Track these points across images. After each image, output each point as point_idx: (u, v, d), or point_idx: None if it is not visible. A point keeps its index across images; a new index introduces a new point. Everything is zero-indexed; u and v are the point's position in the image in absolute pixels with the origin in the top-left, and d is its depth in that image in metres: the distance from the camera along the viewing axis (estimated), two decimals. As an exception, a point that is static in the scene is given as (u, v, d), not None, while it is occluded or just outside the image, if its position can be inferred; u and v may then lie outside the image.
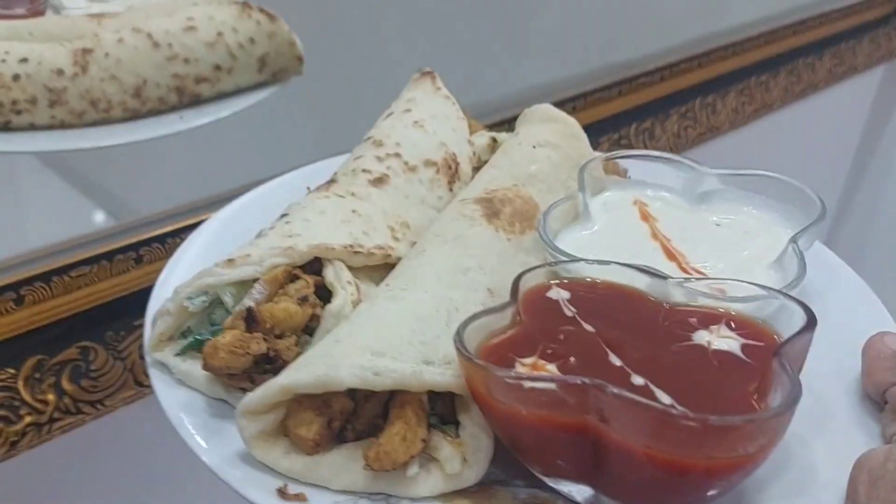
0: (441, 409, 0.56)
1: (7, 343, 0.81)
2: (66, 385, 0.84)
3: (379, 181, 0.72)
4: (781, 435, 0.47)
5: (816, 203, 0.69)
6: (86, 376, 0.85)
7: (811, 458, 0.57)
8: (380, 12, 1.16)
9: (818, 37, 1.92)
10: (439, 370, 0.53)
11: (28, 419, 0.84)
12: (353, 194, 0.70)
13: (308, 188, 0.79)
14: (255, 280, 0.60)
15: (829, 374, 0.63)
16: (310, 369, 0.52)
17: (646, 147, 1.43)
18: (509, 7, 1.31)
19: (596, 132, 1.29)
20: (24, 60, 0.84)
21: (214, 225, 0.75)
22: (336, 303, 0.59)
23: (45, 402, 0.85)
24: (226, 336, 0.56)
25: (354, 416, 0.54)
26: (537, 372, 0.49)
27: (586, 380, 0.46)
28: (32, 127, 0.85)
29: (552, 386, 0.47)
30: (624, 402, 0.45)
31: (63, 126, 0.86)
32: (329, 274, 0.62)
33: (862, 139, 2.48)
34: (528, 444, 0.51)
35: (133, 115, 0.89)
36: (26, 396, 0.84)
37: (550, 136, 0.79)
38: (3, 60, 0.83)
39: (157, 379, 0.59)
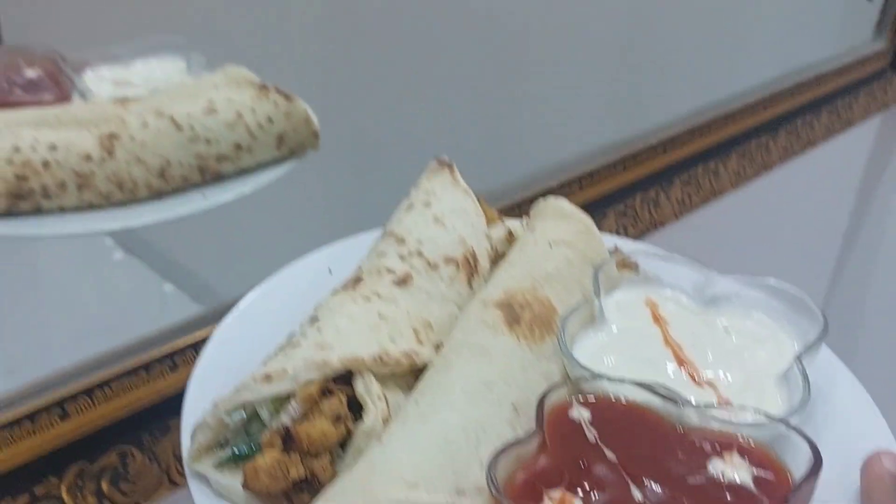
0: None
1: (52, 454, 0.84)
2: (106, 489, 0.88)
3: (403, 282, 0.75)
4: None
5: (819, 317, 0.73)
6: (124, 479, 0.87)
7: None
8: (392, 91, 1.19)
9: (815, 96, 1.98)
10: (470, 500, 0.56)
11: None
12: (378, 296, 0.73)
13: (329, 270, 0.81)
14: (291, 395, 0.62)
15: (833, 483, 0.66)
16: (347, 499, 0.54)
17: (651, 215, 1.46)
18: (514, 90, 1.34)
19: (603, 205, 1.33)
20: (54, 147, 0.86)
21: (237, 316, 0.78)
22: (368, 422, 0.62)
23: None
24: (266, 458, 0.59)
25: (388, 542, 0.57)
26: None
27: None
28: (61, 210, 0.87)
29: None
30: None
31: (91, 208, 0.88)
32: (359, 386, 0.64)
33: (861, 186, 2.54)
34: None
35: (158, 195, 0.92)
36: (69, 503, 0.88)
37: (565, 233, 0.82)
38: (34, 148, 0.85)
39: (197, 491, 0.62)
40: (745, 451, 0.59)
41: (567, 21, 1.51)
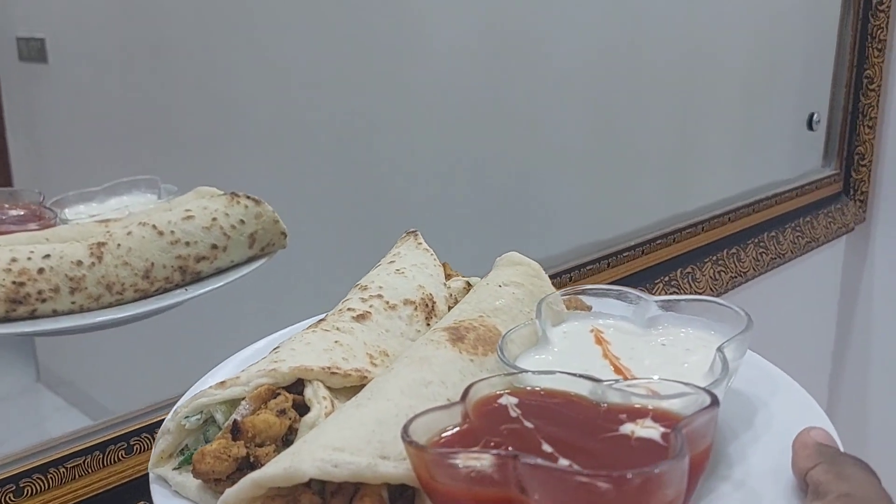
0: (402, 506, 0.60)
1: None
2: None
3: (361, 317, 0.79)
4: (681, 487, 0.50)
5: (743, 317, 0.75)
6: None
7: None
8: (365, 192, 1.29)
9: (777, 213, 2.12)
10: (394, 464, 0.57)
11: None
12: (337, 329, 0.77)
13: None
14: (243, 399, 0.66)
15: (766, 474, 0.66)
16: (278, 464, 0.57)
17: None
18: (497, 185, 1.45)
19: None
20: (47, 256, 0.95)
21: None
22: (311, 415, 0.65)
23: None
24: (213, 444, 0.62)
25: (322, 512, 0.59)
26: (465, 449, 0.53)
27: (502, 451, 0.50)
28: (55, 313, 0.95)
29: (473, 458, 0.51)
30: (533, 468, 0.49)
31: (82, 310, 0.96)
32: (308, 392, 0.68)
33: (841, 299, 2.59)
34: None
35: (143, 296, 0.99)
36: None
37: (515, 276, 0.87)
38: (29, 258, 0.94)
39: (156, 493, 0.65)
40: (658, 417, 0.60)
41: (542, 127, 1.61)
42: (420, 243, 0.93)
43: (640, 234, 1.71)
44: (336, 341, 0.75)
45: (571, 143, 1.65)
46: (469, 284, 0.90)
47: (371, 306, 0.81)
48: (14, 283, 0.93)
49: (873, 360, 2.64)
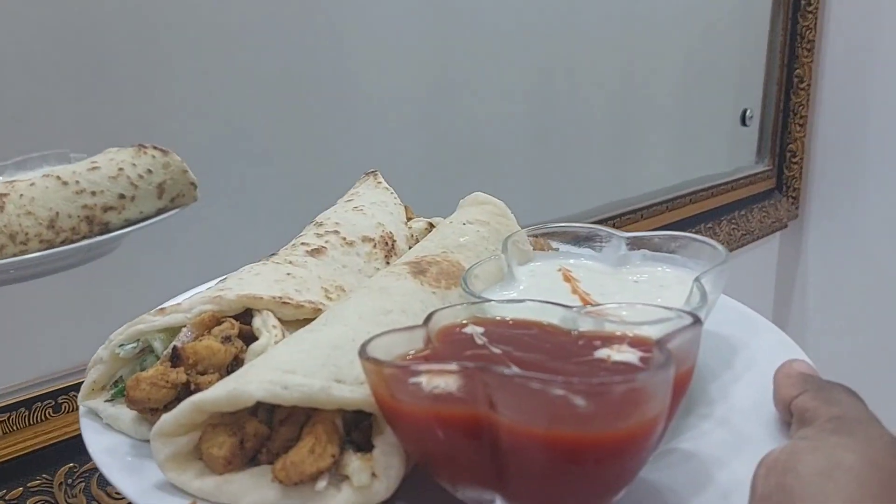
0: (358, 439, 0.55)
1: (43, 451, 0.87)
2: (94, 490, 0.91)
3: (317, 252, 0.74)
4: (665, 404, 0.47)
5: (721, 252, 0.71)
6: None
7: (728, 475, 0.55)
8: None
9: (713, 206, 2.18)
10: (350, 388, 0.53)
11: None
12: (289, 262, 0.72)
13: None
14: (184, 326, 0.61)
15: (749, 410, 0.63)
16: (221, 387, 0.52)
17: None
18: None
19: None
20: None
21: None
22: (259, 342, 0.60)
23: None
24: (149, 371, 0.56)
25: (270, 441, 0.54)
26: (428, 362, 0.49)
27: (469, 364, 0.46)
28: None
29: (438, 373, 0.47)
30: (504, 379, 0.45)
31: None
32: (257, 321, 0.63)
33: (776, 295, 2.67)
34: (430, 447, 0.50)
35: (49, 246, 0.93)
36: (61, 500, 0.90)
37: (480, 215, 0.82)
38: None
39: (86, 426, 0.59)
40: (636, 343, 0.56)
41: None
42: (380, 182, 0.88)
43: (581, 219, 1.69)
44: (288, 273, 0.70)
45: (510, 128, 1.66)
46: (431, 225, 0.85)
47: (327, 241, 0.76)
48: None
49: (807, 356, 2.67)
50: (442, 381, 0.48)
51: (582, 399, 0.45)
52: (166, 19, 1.13)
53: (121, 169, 0.97)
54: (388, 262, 0.78)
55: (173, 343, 0.59)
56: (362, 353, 0.50)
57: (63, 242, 0.94)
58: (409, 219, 0.86)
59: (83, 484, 0.92)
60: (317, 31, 1.28)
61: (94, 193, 0.95)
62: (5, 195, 0.92)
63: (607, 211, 1.87)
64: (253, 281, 0.67)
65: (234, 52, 1.20)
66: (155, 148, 1.01)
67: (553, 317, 0.61)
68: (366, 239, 0.78)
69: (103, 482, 0.92)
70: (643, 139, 2.01)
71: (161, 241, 1.02)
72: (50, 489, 0.90)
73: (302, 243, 0.76)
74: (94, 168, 0.97)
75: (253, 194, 1.24)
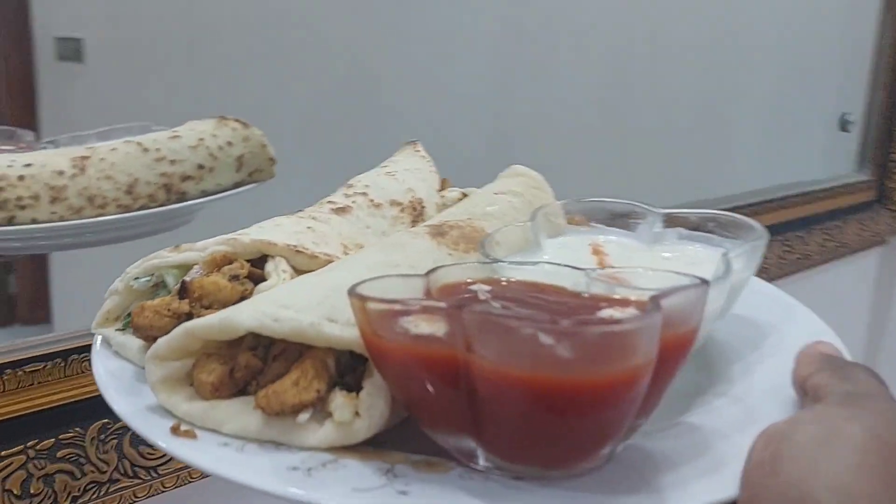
0: (350, 381, 0.56)
1: (77, 405, 0.91)
2: (126, 449, 0.93)
3: (342, 210, 0.76)
4: (650, 356, 0.46)
5: (757, 230, 0.69)
6: (144, 442, 0.87)
7: (728, 446, 0.53)
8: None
9: (805, 213, 2.05)
10: (340, 327, 0.53)
11: (91, 476, 0.93)
12: (313, 217, 0.74)
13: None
14: (197, 264, 0.63)
15: (766, 391, 0.61)
16: (215, 315, 0.53)
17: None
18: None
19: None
20: (29, 165, 0.93)
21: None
22: (266, 283, 0.61)
23: (107, 463, 0.94)
24: (155, 300, 0.59)
25: (262, 374, 0.55)
26: (409, 300, 0.49)
27: (447, 302, 0.46)
28: (34, 222, 0.93)
29: (418, 310, 0.47)
30: (480, 317, 0.45)
31: (62, 221, 0.94)
32: (269, 266, 0.64)
33: (871, 315, 2.52)
34: (410, 389, 0.50)
35: (126, 211, 0.97)
36: (91, 455, 0.93)
37: (514, 186, 0.82)
38: (10, 166, 0.92)
39: (96, 353, 0.62)
40: (642, 305, 0.55)
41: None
42: (418, 150, 0.89)
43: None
44: (309, 227, 0.72)
45: (584, 117, 1.64)
46: (465, 195, 0.85)
47: (354, 202, 0.78)
48: None
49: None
50: (423, 319, 0.48)
51: (557, 339, 0.44)
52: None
53: (201, 139, 1.01)
54: (414, 227, 0.79)
55: (183, 278, 0.61)
56: (351, 289, 0.51)
57: (140, 209, 0.98)
58: (443, 188, 0.87)
59: (115, 441, 0.94)
60: (391, 15, 1.31)
61: (173, 162, 0.99)
62: (87, 158, 0.96)
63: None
64: (272, 230, 0.69)
65: (312, 37, 1.24)
66: (236, 121, 1.05)
67: (566, 280, 0.60)
68: (394, 203, 0.79)
69: (136, 440, 0.95)
70: (731, 137, 1.94)
71: (236, 215, 1.06)
72: (82, 443, 0.93)
73: (328, 201, 0.77)
74: (175, 137, 1.01)
75: (330, 175, 1.27)
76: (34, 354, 0.91)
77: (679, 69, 1.78)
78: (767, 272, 1.87)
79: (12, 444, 0.89)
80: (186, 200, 1.02)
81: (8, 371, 0.89)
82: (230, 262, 0.63)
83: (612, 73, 1.68)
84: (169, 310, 0.57)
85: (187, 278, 0.61)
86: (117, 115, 1.08)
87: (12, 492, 0.88)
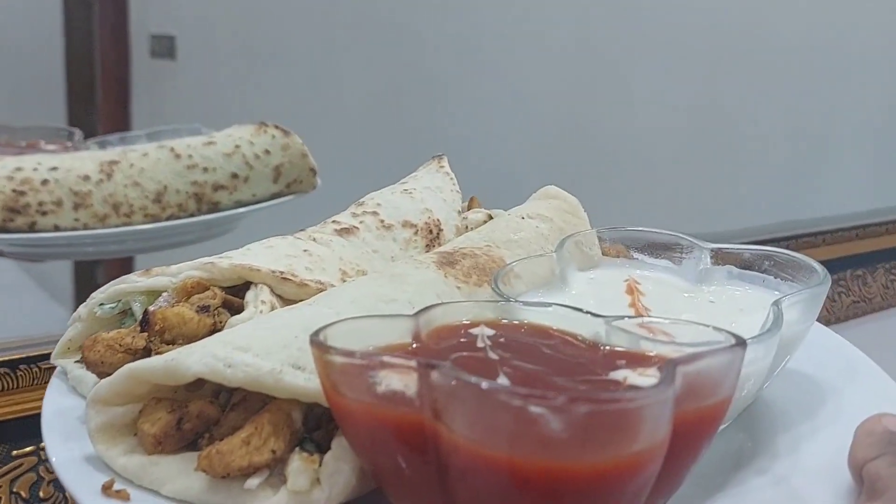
0: (320, 438, 0.48)
1: None
2: None
3: (346, 231, 0.69)
4: (657, 437, 0.37)
5: (819, 274, 0.59)
6: None
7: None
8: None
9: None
10: (306, 376, 0.46)
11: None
12: (313, 239, 0.67)
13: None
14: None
15: (816, 472, 0.51)
16: (162, 356, 0.47)
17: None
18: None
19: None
20: (54, 168, 0.90)
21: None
22: (240, 317, 0.55)
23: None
24: (111, 332, 0.53)
25: (216, 426, 0.48)
26: (371, 352, 0.42)
27: (415, 360, 0.38)
28: (56, 229, 0.90)
29: (382, 366, 0.40)
30: (450, 383, 0.37)
31: (86, 229, 0.90)
32: (249, 294, 0.58)
33: None
34: (375, 456, 0.43)
35: (153, 221, 0.93)
36: None
37: (545, 210, 0.74)
38: (35, 169, 0.90)
39: (52, 385, 0.56)
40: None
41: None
42: (442, 166, 0.81)
43: (749, 235, 1.52)
44: (305, 250, 0.65)
45: (670, 128, 1.55)
46: (491, 218, 0.78)
47: (361, 222, 0.70)
48: (14, 191, 0.89)
49: None
50: (388, 376, 0.40)
51: (538, 412, 0.36)
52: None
53: (237, 146, 0.97)
54: (428, 252, 0.71)
55: (146, 307, 0.55)
56: (313, 334, 0.44)
57: (169, 219, 0.95)
58: (470, 209, 0.79)
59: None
60: (464, 25, 1.27)
61: (206, 170, 0.95)
62: (115, 163, 0.93)
63: (780, 230, 1.62)
64: (261, 253, 0.62)
65: (367, 48, 1.21)
66: (276, 127, 1.00)
67: (583, 328, 0.52)
68: (407, 224, 0.72)
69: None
70: (834, 155, 1.82)
71: (275, 231, 1.04)
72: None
73: (333, 221, 0.70)
74: (210, 143, 0.97)
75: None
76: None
77: (773, 85, 1.68)
78: (870, 302, 1.69)
79: (24, 444, 0.84)
80: (218, 212, 0.97)
81: (22, 366, 0.84)
82: (204, 290, 0.57)
83: (701, 87, 1.59)
84: (121, 345, 0.51)
85: (152, 307, 0.55)
86: (206, 110, 1.09)
87: (20, 494, 0.83)
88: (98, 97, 1.08)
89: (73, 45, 1.06)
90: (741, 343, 0.43)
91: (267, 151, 0.98)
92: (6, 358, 0.81)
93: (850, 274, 1.70)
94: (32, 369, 0.82)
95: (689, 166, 1.60)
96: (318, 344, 0.42)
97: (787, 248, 1.53)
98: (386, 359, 0.40)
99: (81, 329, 0.58)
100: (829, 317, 1.61)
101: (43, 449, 0.82)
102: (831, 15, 1.73)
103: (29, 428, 0.84)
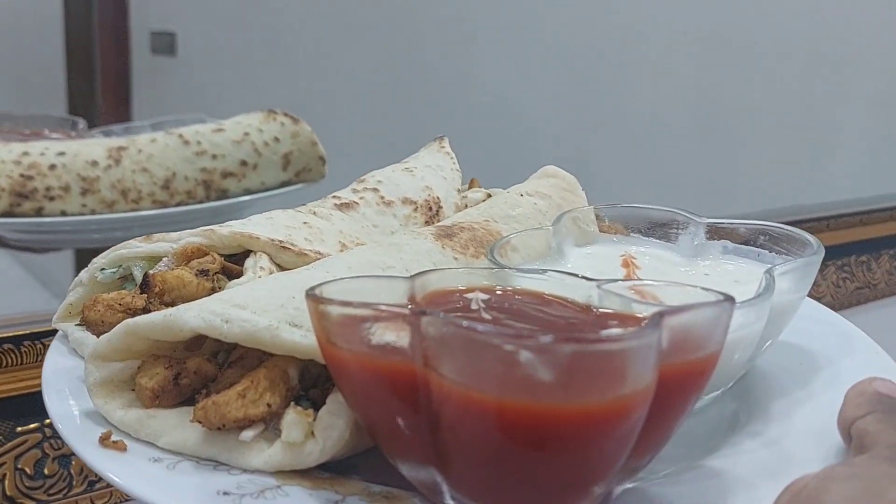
0: (315, 396, 0.49)
1: None
2: None
3: (346, 206, 0.70)
4: (642, 382, 0.38)
5: (812, 246, 0.60)
6: None
7: (748, 499, 0.45)
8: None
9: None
10: (302, 332, 0.47)
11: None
12: (313, 213, 0.68)
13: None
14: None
15: (808, 433, 0.52)
16: (161, 312, 0.48)
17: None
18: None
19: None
20: (62, 154, 0.91)
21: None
22: (238, 280, 0.56)
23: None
24: (110, 293, 0.54)
25: (214, 383, 0.49)
26: (364, 303, 0.43)
27: (405, 307, 0.40)
28: (63, 214, 0.91)
29: (374, 315, 0.41)
30: (439, 327, 0.38)
31: (93, 215, 0.92)
32: (248, 261, 0.59)
33: None
34: (368, 407, 0.44)
35: (161, 207, 0.94)
36: None
37: (543, 188, 0.75)
38: (42, 154, 0.91)
39: (52, 348, 0.57)
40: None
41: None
42: (443, 146, 0.82)
43: (755, 219, 1.52)
44: (305, 222, 0.66)
45: (675, 111, 1.55)
46: (490, 196, 0.79)
47: (362, 198, 0.71)
48: (22, 175, 0.90)
49: None
50: (387, 328, 0.41)
51: (529, 359, 0.37)
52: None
53: (246, 133, 0.98)
54: (428, 229, 0.72)
55: (147, 270, 0.56)
56: (309, 289, 0.45)
57: (177, 206, 0.96)
58: (470, 188, 0.80)
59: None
60: (467, 11, 1.29)
61: (214, 157, 0.96)
62: (124, 149, 0.94)
63: (786, 215, 1.60)
64: (261, 223, 0.63)
65: (369, 39, 1.23)
66: (286, 115, 1.01)
67: (576, 292, 0.52)
68: (407, 201, 0.73)
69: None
70: (838, 138, 1.81)
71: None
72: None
73: (334, 196, 0.71)
74: (218, 130, 0.98)
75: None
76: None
77: (776, 64, 1.67)
78: (874, 288, 1.67)
79: (28, 421, 0.83)
80: (227, 199, 0.98)
81: (26, 342, 0.84)
82: (203, 255, 0.58)
83: (704, 72, 1.58)
84: (121, 304, 0.52)
85: (152, 271, 0.56)
86: (206, 106, 1.09)
87: (25, 471, 0.83)
88: (98, 94, 1.10)
89: (73, 43, 1.08)
90: (729, 298, 0.43)
91: (276, 139, 0.99)
92: (10, 334, 0.81)
93: (854, 259, 1.69)
94: (37, 345, 0.82)
95: (694, 151, 1.60)
96: (313, 296, 0.43)
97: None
98: (380, 308, 0.41)
99: (82, 293, 0.59)
100: (834, 303, 1.60)
101: (48, 425, 0.83)
102: (838, 2, 1.73)
103: (33, 404, 0.84)
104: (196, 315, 0.46)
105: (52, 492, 0.83)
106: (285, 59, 1.17)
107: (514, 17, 1.36)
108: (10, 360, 0.82)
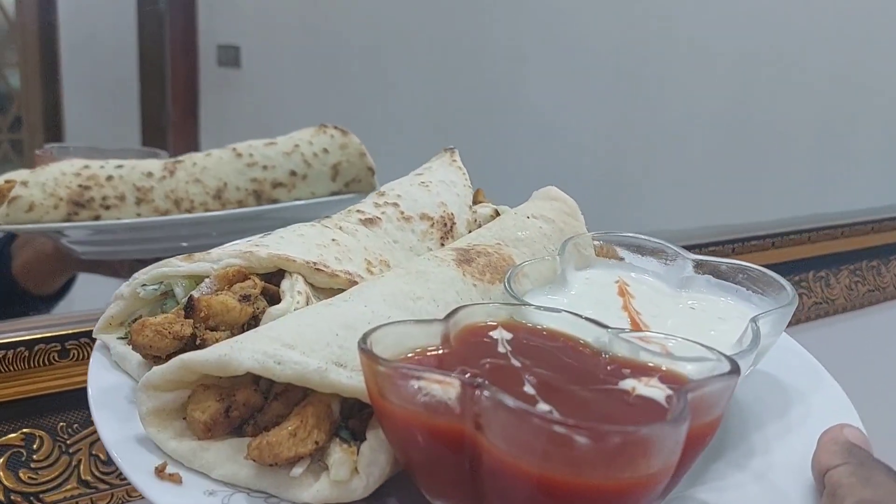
0: (355, 426, 0.48)
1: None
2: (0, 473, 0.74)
3: (370, 222, 0.67)
4: (671, 459, 0.37)
5: (788, 293, 0.60)
6: (25, 466, 0.74)
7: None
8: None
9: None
10: (348, 374, 0.46)
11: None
12: (339, 228, 0.66)
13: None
14: (209, 276, 0.55)
15: (789, 469, 0.52)
16: (214, 350, 0.46)
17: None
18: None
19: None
20: (120, 166, 0.87)
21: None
22: (279, 306, 0.54)
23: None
24: (158, 317, 0.51)
25: (261, 413, 0.47)
26: (421, 366, 0.41)
27: (465, 378, 0.38)
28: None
29: (431, 380, 0.39)
30: (495, 403, 0.37)
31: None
32: (284, 284, 0.56)
33: None
34: (413, 454, 0.42)
35: None
36: None
37: (547, 211, 0.73)
38: (102, 167, 0.87)
39: (95, 360, 0.54)
40: (667, 379, 0.47)
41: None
42: (454, 160, 0.80)
43: (774, 226, 1.49)
44: (333, 239, 0.63)
45: (703, 128, 1.55)
46: (498, 213, 0.77)
47: (383, 213, 0.69)
48: (80, 186, 0.85)
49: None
50: (434, 387, 0.40)
51: (576, 439, 0.36)
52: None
53: (296, 145, 0.94)
54: (442, 244, 0.70)
55: (191, 292, 0.53)
56: (361, 342, 0.43)
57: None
58: (477, 202, 0.78)
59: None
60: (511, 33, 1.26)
61: (265, 168, 0.92)
62: (180, 161, 0.91)
63: (802, 223, 1.58)
64: (294, 241, 0.61)
65: (421, 55, 1.20)
66: (335, 128, 0.97)
67: (588, 334, 0.52)
68: (424, 217, 0.71)
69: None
70: (854, 154, 1.80)
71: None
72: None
73: (357, 210, 0.69)
74: (270, 144, 0.94)
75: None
76: (62, 333, 0.76)
77: (803, 90, 1.66)
78: (884, 290, 1.69)
79: None
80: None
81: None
82: (244, 278, 0.56)
83: (734, 92, 1.57)
84: (171, 332, 0.50)
85: (196, 293, 0.53)
86: (269, 115, 1.09)
87: (98, 457, 0.78)
88: (168, 102, 1.06)
89: (146, 57, 1.03)
90: (736, 370, 0.43)
91: (325, 150, 0.95)
92: (83, 329, 0.75)
93: (865, 264, 1.69)
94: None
95: (724, 163, 1.59)
96: (367, 353, 0.42)
97: (808, 240, 1.51)
98: (432, 374, 0.40)
99: (123, 307, 0.56)
100: (847, 304, 1.60)
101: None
102: (852, 19, 1.69)
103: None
104: (250, 357, 0.44)
105: (123, 476, 0.79)
106: (343, 73, 1.14)
107: (561, 40, 1.35)
108: (82, 354, 0.77)
